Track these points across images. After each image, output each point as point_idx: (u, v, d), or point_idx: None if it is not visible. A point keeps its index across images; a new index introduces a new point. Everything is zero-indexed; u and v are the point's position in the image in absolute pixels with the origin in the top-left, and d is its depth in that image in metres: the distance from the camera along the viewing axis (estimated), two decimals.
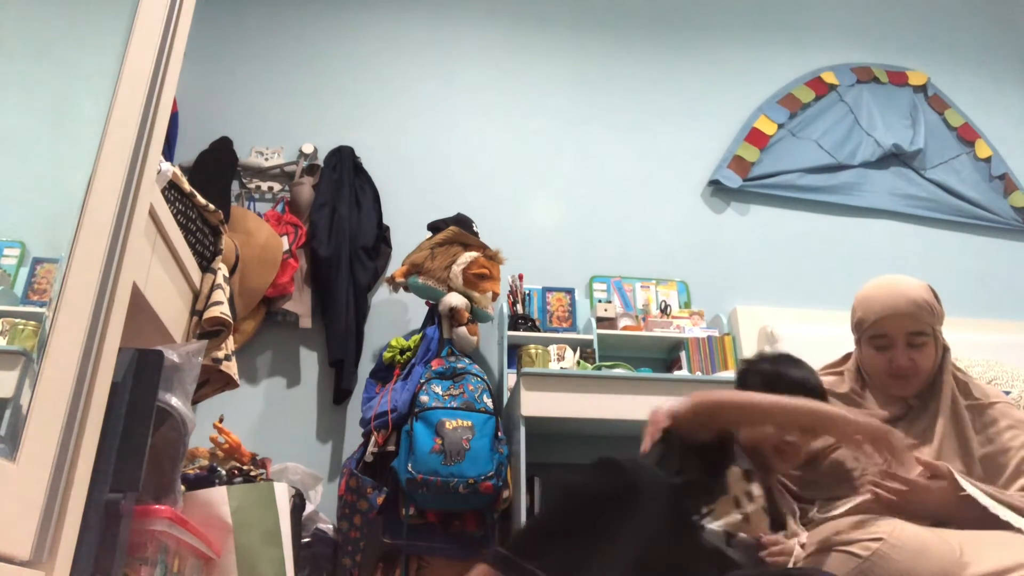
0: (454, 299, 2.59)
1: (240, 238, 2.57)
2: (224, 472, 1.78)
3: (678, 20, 3.86)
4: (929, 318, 1.54)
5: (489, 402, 2.42)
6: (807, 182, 3.55)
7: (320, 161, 3.15)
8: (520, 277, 2.97)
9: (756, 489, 1.32)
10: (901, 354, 1.54)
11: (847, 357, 1.73)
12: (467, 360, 2.56)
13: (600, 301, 3.03)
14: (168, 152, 2.78)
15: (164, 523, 1.20)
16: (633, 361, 2.78)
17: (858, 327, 1.62)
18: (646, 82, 3.67)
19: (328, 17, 3.52)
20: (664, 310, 3.08)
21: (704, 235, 3.39)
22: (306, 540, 2.23)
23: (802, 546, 1.39)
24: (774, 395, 1.35)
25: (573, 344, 2.77)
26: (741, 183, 3.47)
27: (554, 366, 2.65)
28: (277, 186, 3.12)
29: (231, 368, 1.79)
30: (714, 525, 1.24)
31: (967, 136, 3.86)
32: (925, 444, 1.52)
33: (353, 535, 2.32)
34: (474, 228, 2.83)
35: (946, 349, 1.60)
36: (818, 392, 1.43)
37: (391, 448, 2.36)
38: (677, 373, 2.80)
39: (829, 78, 3.80)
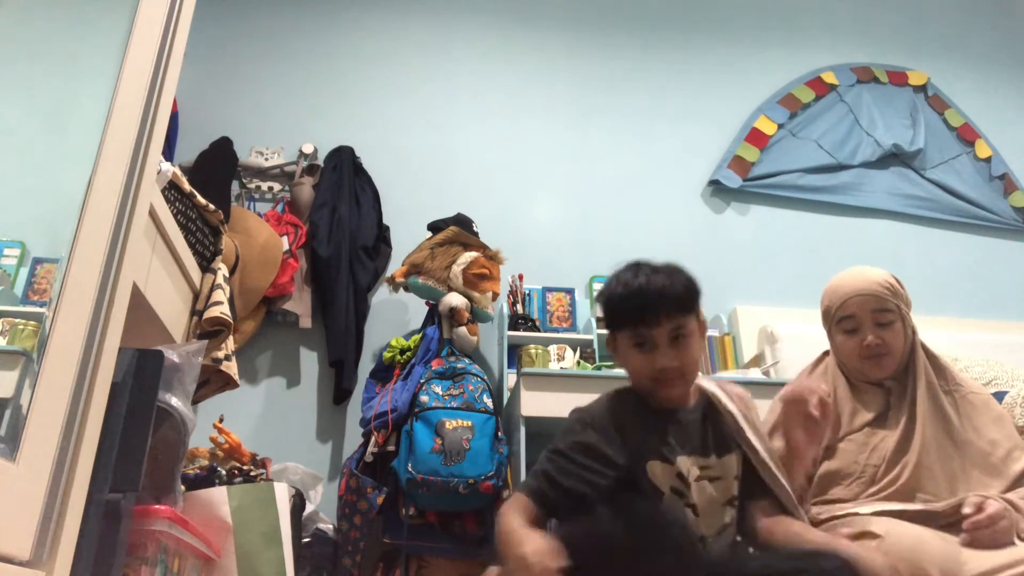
0: (454, 299, 2.59)
1: (240, 238, 2.57)
2: (224, 472, 1.78)
3: (678, 20, 3.86)
4: (893, 298, 1.58)
5: (489, 402, 2.42)
6: (807, 182, 3.55)
7: (320, 161, 3.15)
8: (520, 277, 2.97)
9: (683, 463, 1.24)
10: (870, 331, 1.57)
11: (825, 354, 1.73)
12: (467, 360, 2.56)
13: None
14: (168, 152, 2.78)
15: (164, 523, 1.20)
16: None
17: (826, 315, 1.66)
18: (646, 82, 3.67)
19: (328, 17, 3.52)
20: None
21: (704, 235, 3.39)
22: (306, 540, 2.23)
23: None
24: None
25: (573, 344, 2.77)
26: (741, 183, 3.47)
27: (554, 366, 2.65)
28: (277, 186, 3.12)
29: (231, 368, 1.79)
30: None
31: (967, 136, 3.86)
32: (912, 427, 1.51)
33: (353, 535, 2.32)
34: (474, 228, 2.83)
35: (914, 331, 1.63)
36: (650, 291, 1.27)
37: (391, 448, 2.36)
38: None
39: (829, 78, 3.80)
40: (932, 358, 1.63)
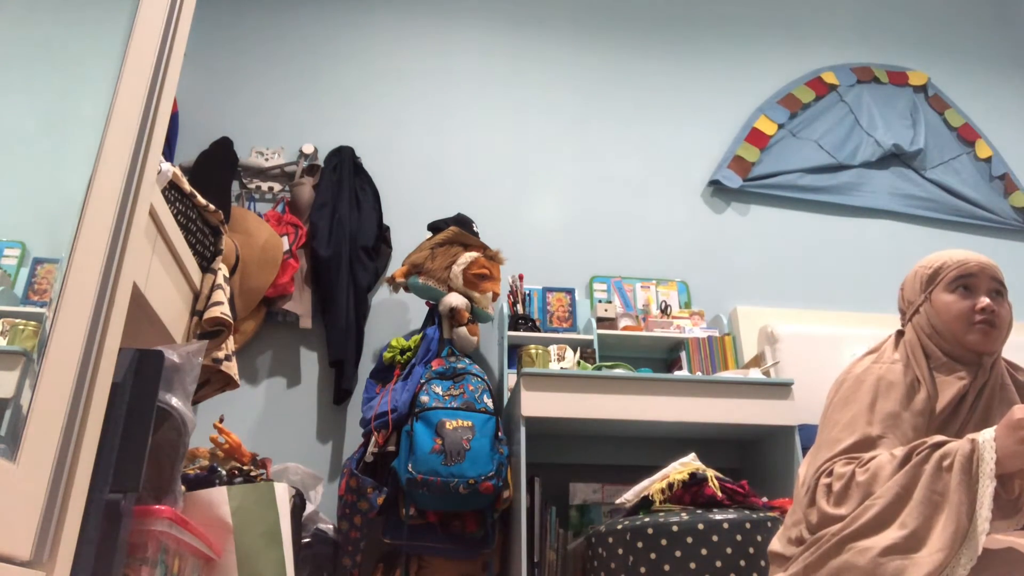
0: (454, 299, 2.59)
1: (240, 238, 2.57)
2: (224, 472, 1.77)
3: (678, 20, 3.86)
4: (1003, 280, 1.51)
5: (489, 402, 2.42)
6: (807, 182, 3.55)
7: (320, 161, 3.15)
8: (520, 277, 2.97)
9: None
10: (987, 296, 1.47)
11: (900, 334, 1.57)
12: (467, 360, 2.56)
13: (600, 301, 3.03)
14: (168, 152, 2.78)
15: (164, 523, 1.20)
16: (633, 361, 2.78)
17: (934, 276, 1.52)
18: (646, 82, 3.67)
19: (328, 17, 3.52)
20: (664, 310, 3.08)
21: (704, 235, 3.39)
22: (306, 540, 2.23)
23: None
24: None
25: (573, 344, 2.77)
26: (741, 183, 3.47)
27: (554, 366, 2.65)
28: (277, 186, 3.12)
29: (231, 368, 1.79)
30: None
31: (967, 136, 3.86)
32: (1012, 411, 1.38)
33: (353, 535, 2.32)
34: (474, 228, 2.83)
35: (1010, 326, 1.52)
36: None
37: (391, 448, 2.36)
38: (677, 373, 2.80)
39: (829, 78, 3.81)
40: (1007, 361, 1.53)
